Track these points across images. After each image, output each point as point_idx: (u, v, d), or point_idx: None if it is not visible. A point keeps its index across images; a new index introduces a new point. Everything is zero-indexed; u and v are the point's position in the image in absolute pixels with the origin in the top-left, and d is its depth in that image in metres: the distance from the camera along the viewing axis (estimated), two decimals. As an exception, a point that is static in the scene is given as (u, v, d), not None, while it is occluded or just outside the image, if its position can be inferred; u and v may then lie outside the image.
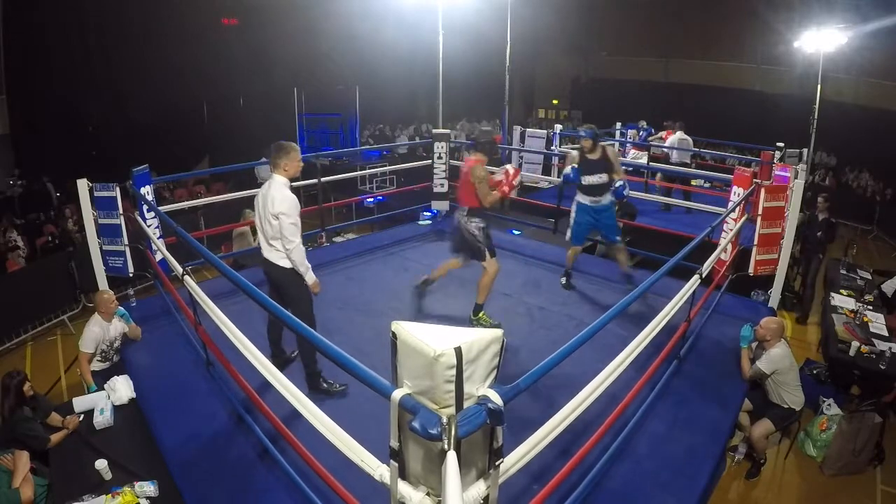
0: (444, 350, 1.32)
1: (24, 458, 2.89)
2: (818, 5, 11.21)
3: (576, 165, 4.45)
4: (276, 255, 3.06)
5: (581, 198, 4.54)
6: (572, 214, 4.63)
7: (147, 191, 4.43)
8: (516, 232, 6.29)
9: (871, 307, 5.18)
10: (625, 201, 4.82)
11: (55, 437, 3.01)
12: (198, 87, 11.91)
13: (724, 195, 7.39)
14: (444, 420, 1.28)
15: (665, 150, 8.50)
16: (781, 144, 8.47)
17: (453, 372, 1.33)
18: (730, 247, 4.65)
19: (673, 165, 8.35)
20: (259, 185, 3.19)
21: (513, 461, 1.70)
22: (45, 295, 6.21)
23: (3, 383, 3.11)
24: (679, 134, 8.38)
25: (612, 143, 11.20)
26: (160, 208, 4.41)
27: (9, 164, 9.94)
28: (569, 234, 4.68)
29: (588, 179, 4.43)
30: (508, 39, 10.39)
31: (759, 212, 4.46)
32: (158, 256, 4.21)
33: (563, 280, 4.80)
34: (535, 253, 5.55)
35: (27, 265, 6.98)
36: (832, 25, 10.23)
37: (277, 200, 2.94)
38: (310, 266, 3.07)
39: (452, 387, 1.35)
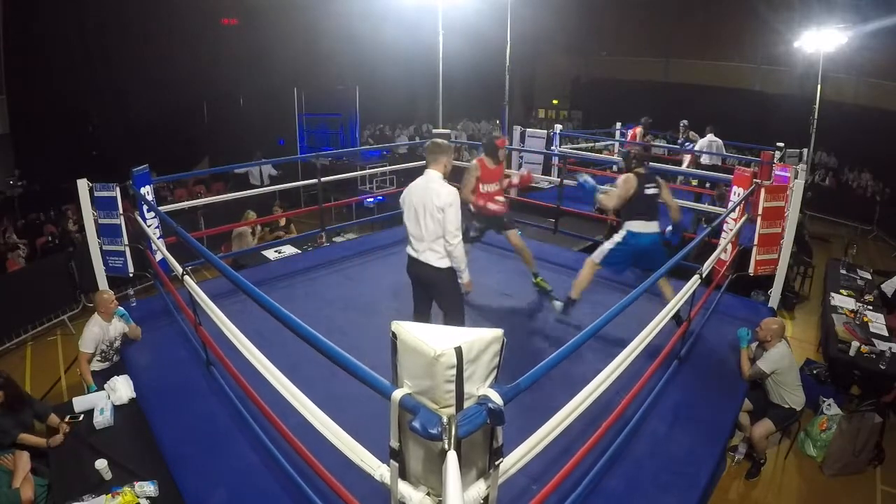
0: (444, 350, 1.32)
1: (24, 458, 2.89)
2: (818, 5, 11.19)
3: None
4: (433, 257, 3.04)
5: None
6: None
7: (147, 191, 4.43)
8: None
9: (871, 307, 5.18)
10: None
11: (25, 437, 3.02)
12: (198, 87, 11.91)
13: (710, 193, 7.46)
14: (445, 420, 1.29)
15: (696, 152, 8.63)
16: (781, 144, 8.48)
17: (453, 372, 1.33)
18: (730, 247, 4.66)
19: (704, 168, 8.44)
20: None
21: (513, 461, 1.71)
22: (45, 295, 6.21)
23: None
24: (709, 136, 8.46)
25: (612, 143, 11.27)
26: (160, 208, 4.41)
27: (9, 164, 9.94)
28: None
29: None
30: (508, 39, 10.40)
31: (759, 212, 4.46)
32: (158, 256, 4.21)
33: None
34: (535, 253, 5.51)
35: (27, 265, 6.97)
36: (832, 25, 10.23)
37: (444, 193, 2.94)
38: (467, 265, 3.14)
39: (452, 387, 1.35)
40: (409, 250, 3.16)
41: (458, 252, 3.02)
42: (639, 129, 9.30)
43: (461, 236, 3.00)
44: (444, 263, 3.06)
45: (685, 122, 9.59)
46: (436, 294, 3.19)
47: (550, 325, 4.10)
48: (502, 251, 5.51)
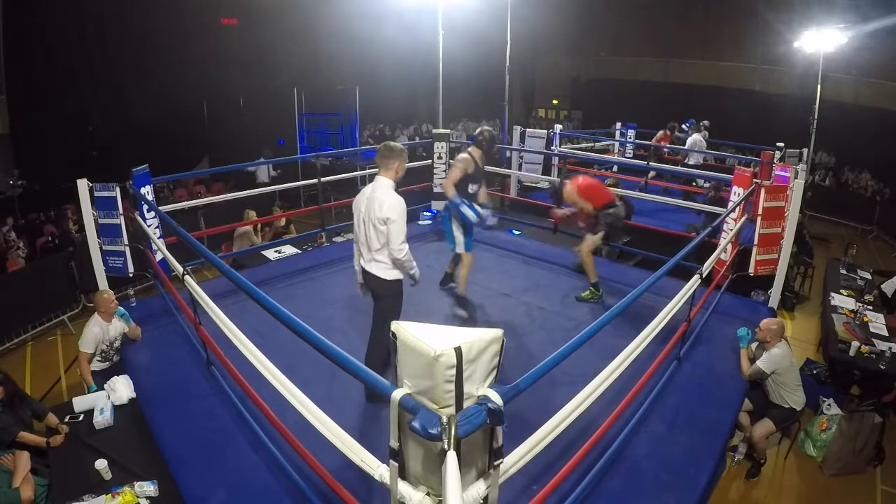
0: (443, 350, 1.32)
1: (24, 458, 2.89)
2: (818, 5, 11.20)
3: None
4: (378, 267, 2.94)
5: (462, 205, 4.03)
6: (458, 227, 4.10)
7: (147, 191, 4.43)
8: (516, 232, 6.29)
9: (871, 307, 5.18)
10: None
11: (25, 436, 3.02)
12: (198, 87, 11.91)
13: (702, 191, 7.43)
14: (444, 420, 1.29)
15: (685, 150, 8.74)
16: (781, 144, 8.49)
17: (453, 372, 1.34)
18: (730, 247, 4.66)
19: (689, 167, 8.49)
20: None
21: (513, 461, 1.71)
22: (45, 295, 6.20)
23: None
24: (696, 136, 8.50)
25: (612, 142, 11.27)
26: (160, 208, 4.41)
27: (9, 164, 9.94)
28: (464, 244, 4.14)
29: (474, 188, 4.14)
30: (508, 39, 10.39)
31: (759, 212, 4.46)
32: (158, 256, 4.21)
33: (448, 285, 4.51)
34: (535, 253, 5.55)
35: (27, 265, 6.97)
36: (832, 25, 10.23)
37: (387, 205, 2.78)
38: (415, 264, 3.02)
39: (452, 387, 1.35)
40: (360, 260, 3.05)
41: (406, 262, 2.92)
42: (661, 133, 9.39)
43: (406, 246, 2.86)
44: (390, 275, 2.95)
45: (705, 122, 9.60)
46: (377, 302, 3.09)
47: (550, 325, 4.10)
48: (502, 251, 5.53)
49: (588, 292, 4.48)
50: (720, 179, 7.09)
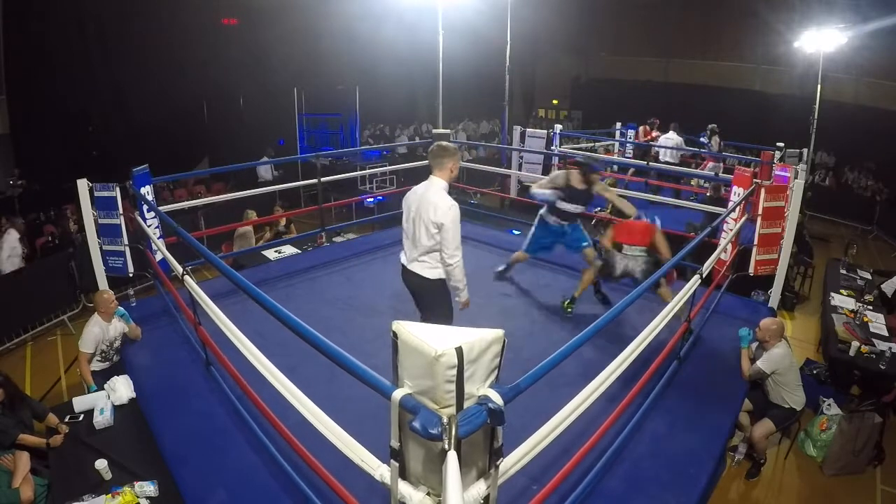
0: (444, 350, 1.32)
1: (24, 458, 2.90)
2: (818, 5, 11.20)
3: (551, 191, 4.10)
4: (421, 266, 2.91)
5: (547, 216, 4.24)
6: (533, 227, 4.43)
7: (147, 191, 4.43)
8: (516, 232, 6.29)
9: (871, 307, 5.19)
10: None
11: (25, 437, 3.03)
12: (198, 87, 11.89)
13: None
14: (445, 420, 1.29)
15: (657, 149, 8.73)
16: (781, 144, 8.49)
17: (454, 372, 1.34)
18: (730, 247, 4.66)
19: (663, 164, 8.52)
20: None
21: (513, 461, 1.71)
22: (45, 295, 6.20)
23: None
24: (670, 133, 8.52)
25: (612, 143, 11.27)
26: (160, 208, 4.41)
27: (9, 164, 9.94)
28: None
29: (564, 206, 4.13)
30: (508, 39, 10.40)
31: (759, 212, 4.46)
32: (158, 256, 4.21)
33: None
34: (535, 253, 5.54)
35: (27, 265, 6.97)
36: (832, 25, 10.23)
37: (441, 209, 2.70)
38: (466, 283, 2.95)
39: (453, 387, 1.35)
40: (402, 257, 3.02)
41: (458, 272, 2.84)
42: (641, 129, 9.42)
43: (460, 254, 2.80)
44: (433, 274, 2.91)
45: (713, 125, 9.55)
46: (421, 304, 3.06)
47: (551, 326, 4.10)
48: (503, 251, 5.52)
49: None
50: (721, 180, 7.11)
